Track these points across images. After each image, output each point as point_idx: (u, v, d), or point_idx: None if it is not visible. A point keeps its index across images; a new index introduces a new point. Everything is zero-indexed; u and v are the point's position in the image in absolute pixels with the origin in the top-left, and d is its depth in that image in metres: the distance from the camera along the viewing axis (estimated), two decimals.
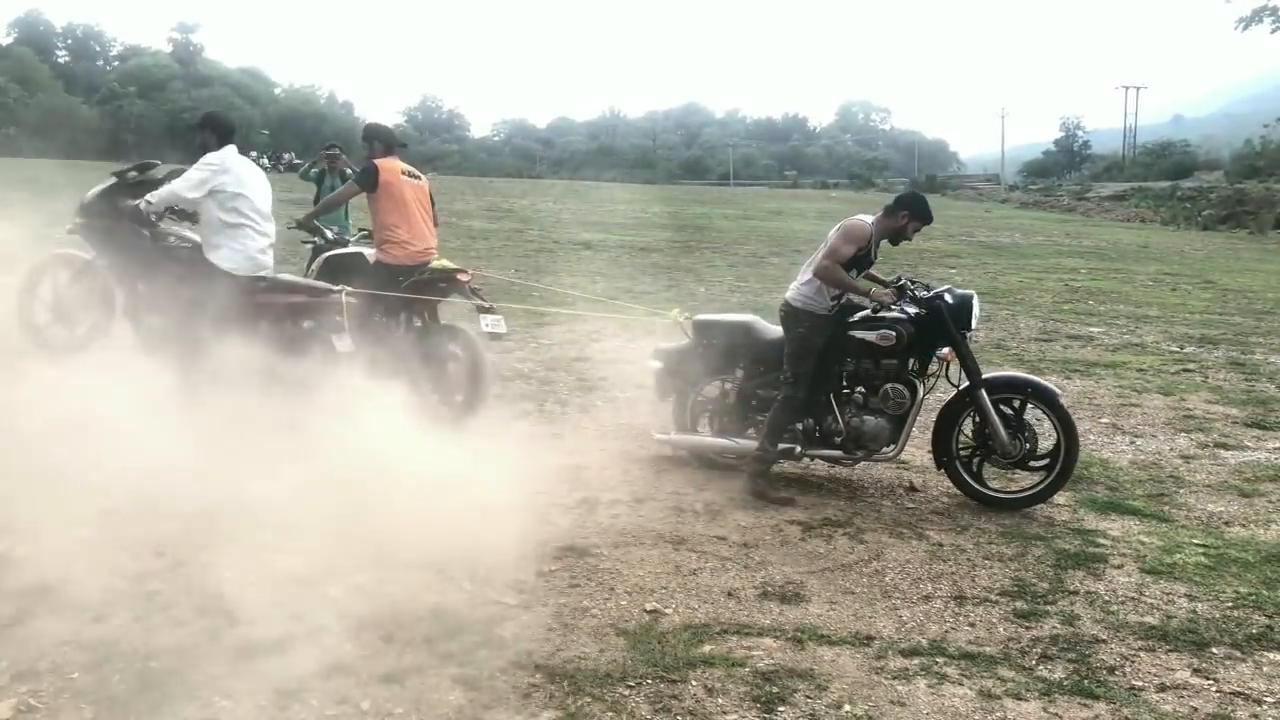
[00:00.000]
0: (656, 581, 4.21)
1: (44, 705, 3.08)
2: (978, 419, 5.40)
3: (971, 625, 3.94)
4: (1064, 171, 75.45)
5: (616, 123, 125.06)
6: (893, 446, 5.47)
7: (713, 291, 13.88)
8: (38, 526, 4.35)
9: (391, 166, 6.77)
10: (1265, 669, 3.64)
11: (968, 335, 5.45)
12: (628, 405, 7.34)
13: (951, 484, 5.52)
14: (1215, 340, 11.12)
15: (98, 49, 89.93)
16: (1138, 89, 77.49)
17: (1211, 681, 3.54)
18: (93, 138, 64.25)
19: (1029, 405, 5.41)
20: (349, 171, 10.84)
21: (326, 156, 11.11)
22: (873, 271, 5.79)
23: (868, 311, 5.52)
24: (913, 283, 5.60)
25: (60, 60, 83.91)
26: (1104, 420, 7.35)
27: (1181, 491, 5.74)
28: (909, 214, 5.47)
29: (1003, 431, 5.30)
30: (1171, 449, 6.63)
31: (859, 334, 5.49)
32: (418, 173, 7.04)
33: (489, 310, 6.69)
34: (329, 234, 8.45)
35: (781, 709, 3.24)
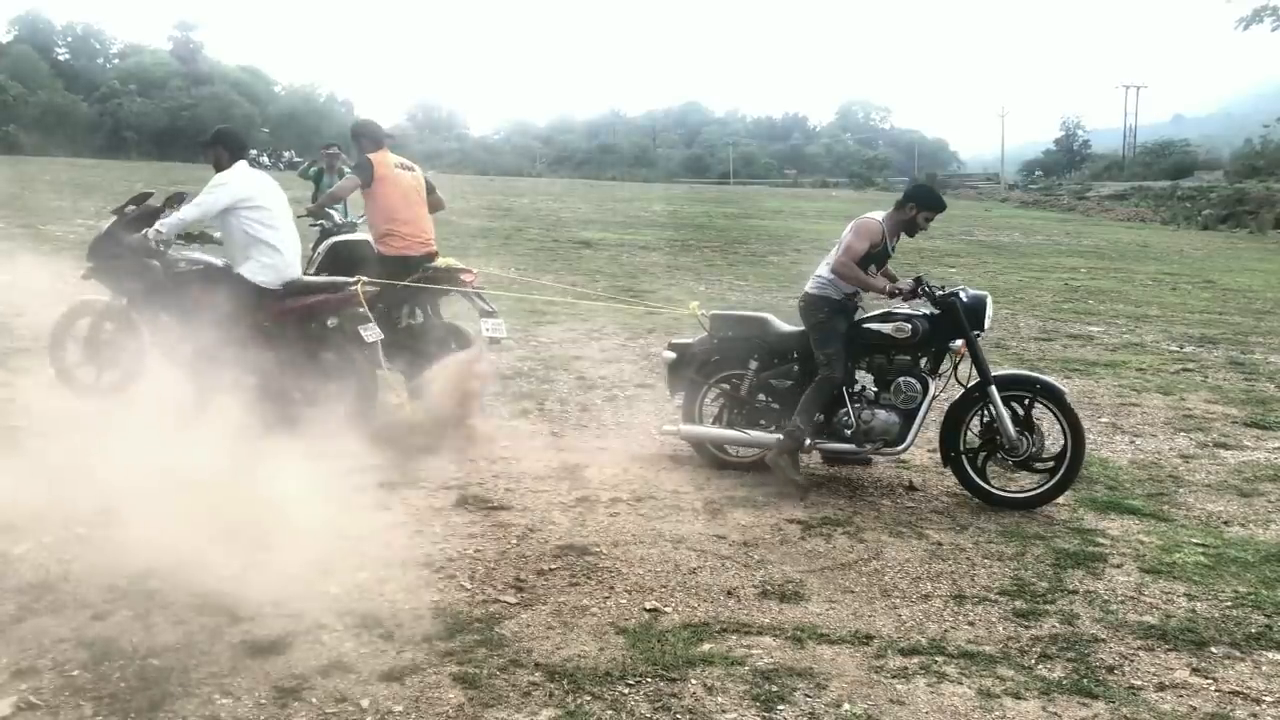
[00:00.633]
0: (656, 580, 4.21)
1: (44, 703, 3.08)
2: (986, 417, 5.43)
3: (971, 624, 3.94)
4: (1064, 171, 75.42)
5: (616, 121, 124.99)
6: (902, 442, 5.49)
7: (713, 290, 13.89)
8: (37, 523, 4.36)
9: (384, 160, 6.88)
10: (1264, 668, 3.65)
11: (980, 335, 5.50)
12: (627, 404, 7.35)
13: (957, 480, 5.54)
14: (1215, 340, 11.13)
15: (98, 47, 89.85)
16: (1138, 88, 77.53)
17: (1210, 681, 3.55)
18: (92, 135, 64.27)
19: (1036, 404, 5.42)
20: (347, 170, 10.87)
21: (326, 155, 11.13)
22: (888, 268, 5.85)
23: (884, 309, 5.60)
24: (928, 281, 5.63)
25: (60, 58, 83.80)
26: (1103, 420, 7.36)
27: (1181, 491, 5.75)
28: (917, 205, 5.57)
29: (1011, 429, 5.33)
30: (1171, 448, 6.63)
31: (874, 326, 5.57)
32: (412, 164, 7.12)
33: (491, 314, 6.72)
34: (337, 218, 8.47)
35: (781, 708, 3.24)
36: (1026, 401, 5.42)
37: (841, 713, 3.23)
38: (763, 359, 5.83)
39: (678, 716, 3.17)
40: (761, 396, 5.84)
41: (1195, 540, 4.93)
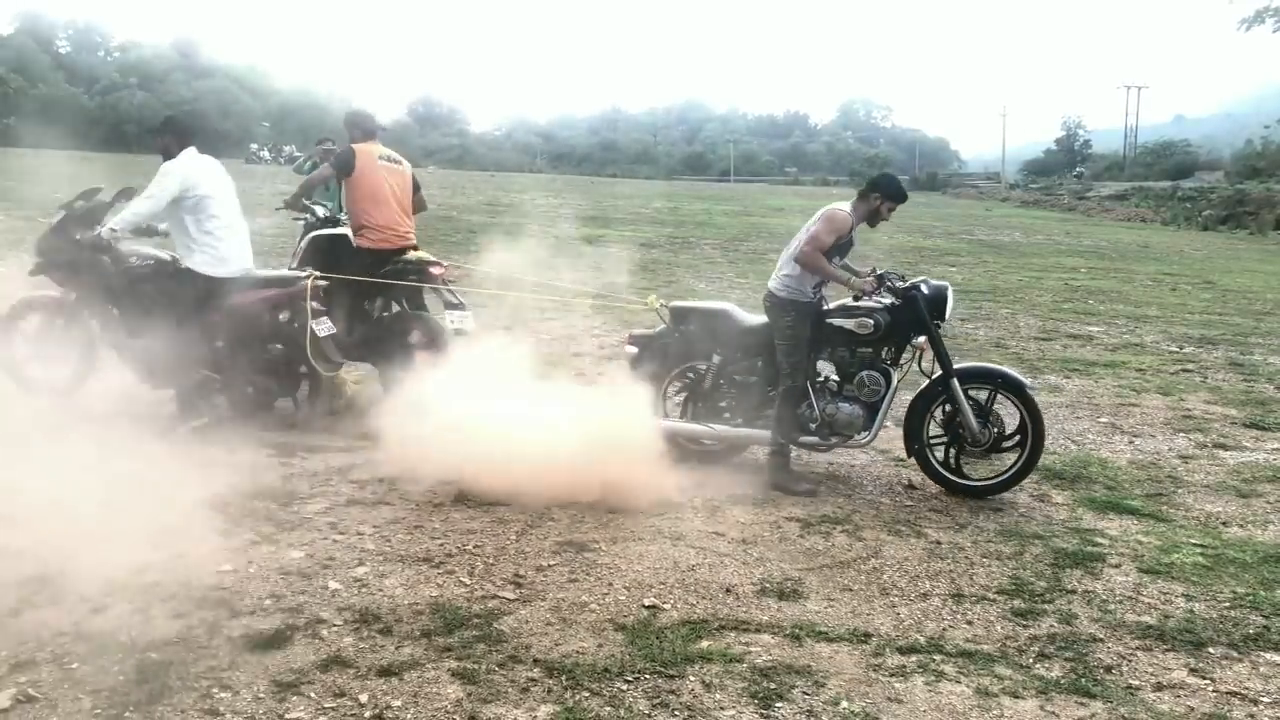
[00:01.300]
0: (655, 577, 4.21)
1: (43, 695, 3.08)
2: (948, 408, 5.51)
3: (969, 623, 3.94)
4: (1064, 170, 75.43)
5: (617, 118, 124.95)
6: (866, 433, 5.57)
7: (713, 287, 13.89)
8: (37, 517, 4.36)
9: (368, 151, 6.87)
10: (1262, 669, 3.65)
11: (942, 326, 5.57)
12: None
13: (922, 471, 5.65)
14: (1214, 340, 11.13)
15: (99, 39, 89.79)
16: (1139, 89, 77.55)
17: (1208, 681, 3.55)
18: (93, 128, 64.18)
19: (999, 396, 5.51)
20: None
21: (321, 150, 11.12)
22: (847, 261, 5.93)
23: (845, 301, 5.67)
24: (890, 274, 5.69)
25: (61, 50, 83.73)
26: (1103, 420, 7.36)
27: (1180, 491, 5.75)
28: (881, 195, 5.64)
29: (973, 419, 5.42)
30: (1170, 449, 6.64)
31: (837, 321, 5.63)
32: (399, 158, 7.12)
33: (457, 306, 6.77)
34: (320, 212, 8.47)
35: (779, 705, 3.25)
36: (988, 393, 5.50)
37: (839, 710, 3.23)
38: (725, 351, 5.86)
39: (676, 713, 3.17)
40: (724, 388, 5.87)
41: (1194, 541, 4.93)
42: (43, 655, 3.31)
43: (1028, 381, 5.60)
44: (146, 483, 4.70)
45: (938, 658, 3.62)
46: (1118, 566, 4.58)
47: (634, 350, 6.12)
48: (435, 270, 6.82)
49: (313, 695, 3.16)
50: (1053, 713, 3.29)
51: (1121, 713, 3.30)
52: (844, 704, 3.27)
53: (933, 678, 3.47)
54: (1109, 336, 11.25)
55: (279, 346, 6.20)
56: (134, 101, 71.59)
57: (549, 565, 4.27)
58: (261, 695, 3.14)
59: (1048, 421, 6.05)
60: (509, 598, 3.94)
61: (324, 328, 6.19)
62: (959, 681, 3.46)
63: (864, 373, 5.56)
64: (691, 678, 3.39)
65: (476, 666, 3.38)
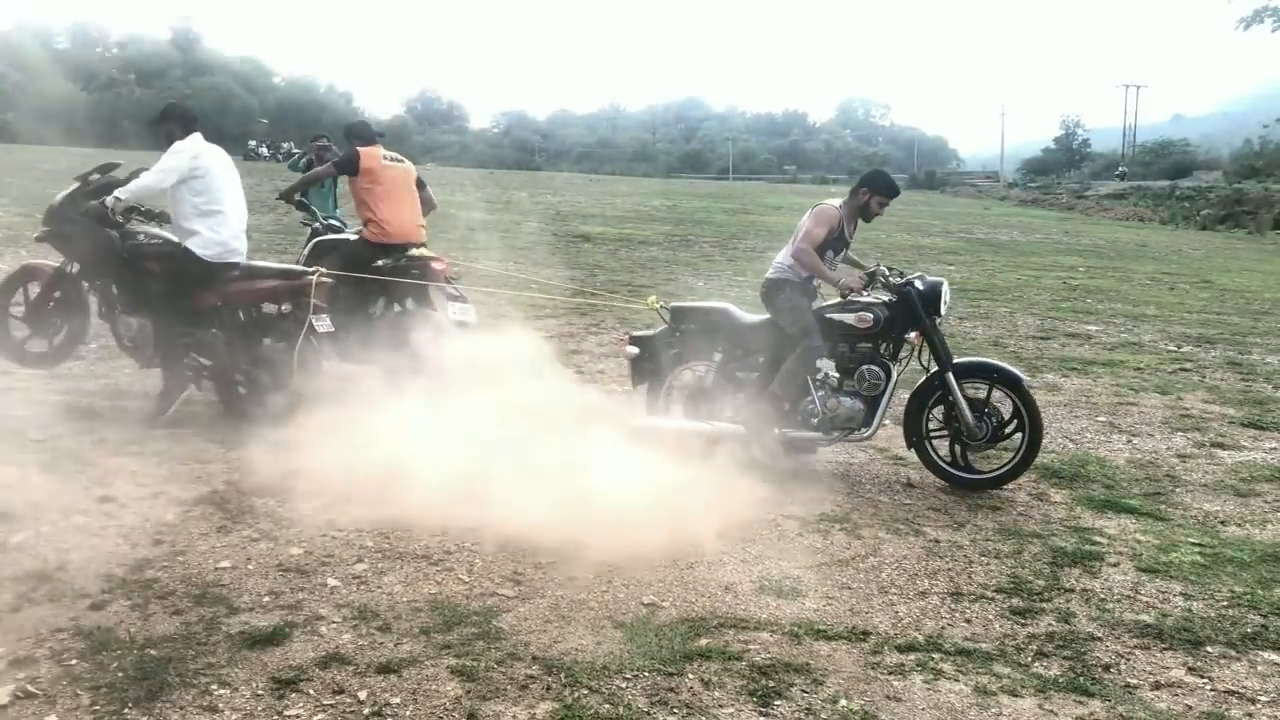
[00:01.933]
0: (654, 574, 4.21)
1: (42, 692, 3.08)
2: (948, 402, 5.54)
3: (968, 621, 3.94)
4: (1063, 169, 75.47)
5: (616, 116, 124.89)
6: (867, 428, 5.62)
7: (711, 285, 13.88)
8: (36, 513, 4.36)
9: (372, 152, 7.05)
10: (1259, 668, 3.66)
11: (939, 320, 5.61)
12: (625, 398, 7.34)
13: (921, 464, 5.70)
14: (1213, 340, 11.14)
15: (97, 35, 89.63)
16: (1138, 88, 77.59)
17: (1206, 680, 3.55)
18: (91, 124, 64.03)
19: (995, 390, 5.56)
20: None
21: (315, 147, 11.13)
22: (852, 256, 6.03)
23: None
24: (889, 270, 5.74)
25: (59, 46, 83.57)
26: (1101, 419, 7.36)
27: (1178, 490, 5.76)
28: (869, 190, 5.74)
29: (969, 414, 5.46)
30: (1168, 448, 6.64)
31: (836, 316, 5.68)
32: (400, 157, 7.24)
33: (459, 299, 6.82)
34: (322, 220, 8.51)
35: (778, 703, 3.25)
36: (986, 388, 5.54)
37: (838, 708, 3.24)
38: (727, 350, 5.88)
39: (675, 711, 3.17)
40: (726, 387, 5.88)
41: (1192, 540, 4.94)
42: (41, 651, 3.31)
43: (1024, 376, 5.62)
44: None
45: (936, 656, 3.62)
46: (1116, 565, 4.58)
47: (634, 351, 6.12)
48: (437, 266, 6.89)
49: (311, 692, 3.16)
50: (1051, 711, 3.29)
51: (1119, 711, 3.30)
52: (842, 702, 3.27)
53: (931, 676, 3.48)
54: (1107, 335, 11.26)
55: (272, 340, 6.18)
56: (132, 98, 71.49)
57: (548, 562, 4.27)
58: (260, 692, 3.14)
59: (1046, 420, 6.06)
60: (508, 595, 3.94)
61: (324, 324, 6.19)
62: (957, 680, 3.46)
63: (864, 367, 5.60)
64: (690, 675, 3.39)
65: (475, 664, 3.38)
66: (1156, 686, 3.49)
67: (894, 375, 5.63)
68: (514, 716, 3.09)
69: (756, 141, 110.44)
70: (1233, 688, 3.50)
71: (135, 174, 6.22)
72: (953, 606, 4.08)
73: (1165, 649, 3.78)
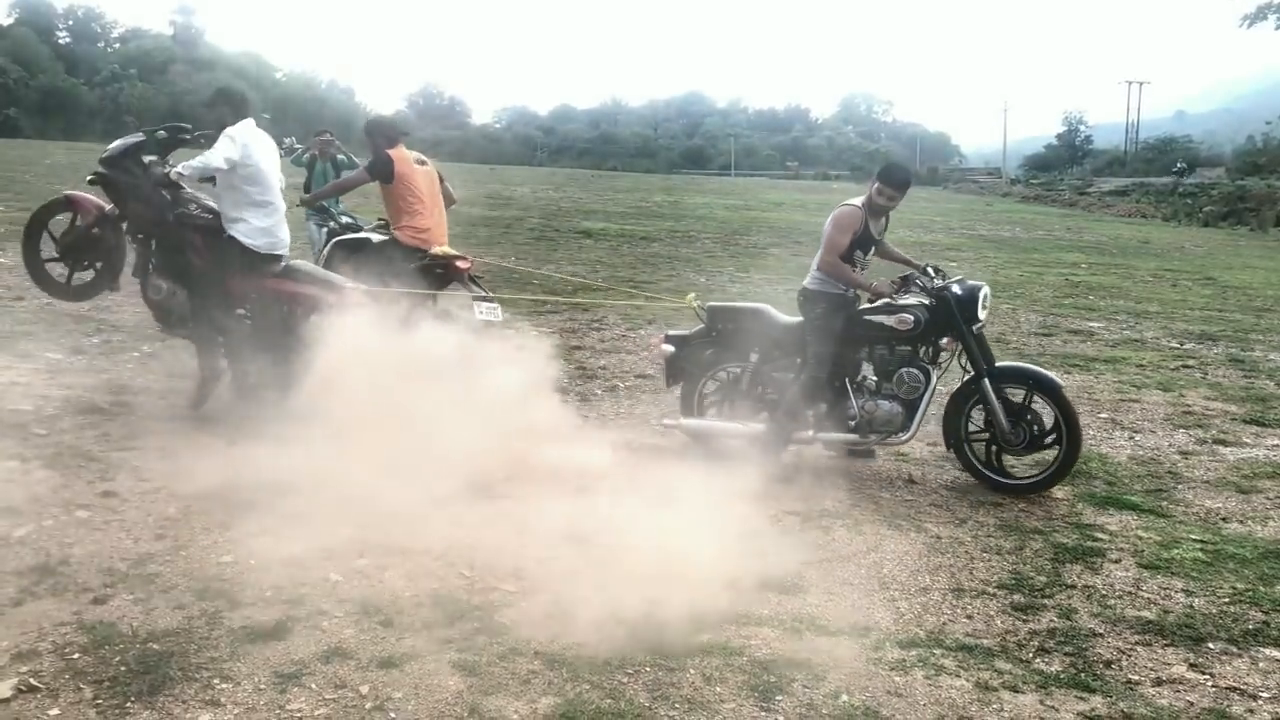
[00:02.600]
0: (655, 570, 4.20)
1: (44, 685, 3.09)
2: (985, 407, 5.50)
3: (969, 617, 3.95)
4: (1065, 166, 75.37)
5: (618, 111, 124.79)
6: (905, 432, 5.55)
7: (714, 281, 13.87)
8: (39, 507, 4.37)
9: (403, 156, 7.02)
10: (1261, 664, 3.66)
11: (979, 325, 5.53)
12: (628, 394, 7.35)
13: (961, 466, 5.66)
14: (1215, 337, 11.13)
15: (99, 30, 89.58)
16: (1141, 84, 77.44)
17: (1207, 676, 3.56)
18: (93, 119, 64.09)
19: (1035, 396, 5.48)
20: (340, 157, 10.95)
21: (319, 142, 11.15)
22: (902, 254, 5.97)
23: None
24: (935, 270, 5.67)
25: (61, 41, 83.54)
26: (1103, 415, 7.36)
27: (1180, 487, 5.75)
28: (878, 183, 5.61)
29: (1003, 419, 5.41)
30: (1170, 445, 6.64)
31: (876, 318, 5.61)
32: (425, 159, 7.24)
33: (485, 299, 6.79)
34: (337, 219, 8.52)
35: (779, 698, 3.25)
36: (1024, 394, 5.48)
37: (839, 704, 3.24)
38: (764, 351, 5.84)
39: (676, 706, 3.18)
40: (762, 389, 5.85)
41: (1194, 536, 4.94)
42: (44, 645, 3.31)
43: (1062, 383, 5.58)
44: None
45: (938, 652, 3.63)
46: (1118, 562, 4.58)
47: (670, 350, 6.09)
48: (462, 265, 6.87)
49: (314, 686, 3.16)
50: (1052, 707, 3.29)
51: (1121, 707, 3.31)
52: (844, 697, 3.28)
53: (932, 672, 3.48)
54: (1109, 332, 11.25)
55: (294, 343, 6.12)
56: (134, 93, 71.48)
57: (550, 558, 4.27)
58: (262, 686, 3.15)
59: None
60: (509, 590, 3.94)
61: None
62: (959, 676, 3.46)
63: (903, 370, 5.54)
64: (692, 670, 3.39)
65: (477, 658, 3.38)
66: (1158, 683, 3.49)
67: (934, 378, 5.57)
68: (516, 711, 3.10)
69: (759, 137, 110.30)
70: (1234, 684, 3.50)
71: (198, 139, 6.20)
72: (954, 602, 4.08)
73: (1167, 645, 3.78)
